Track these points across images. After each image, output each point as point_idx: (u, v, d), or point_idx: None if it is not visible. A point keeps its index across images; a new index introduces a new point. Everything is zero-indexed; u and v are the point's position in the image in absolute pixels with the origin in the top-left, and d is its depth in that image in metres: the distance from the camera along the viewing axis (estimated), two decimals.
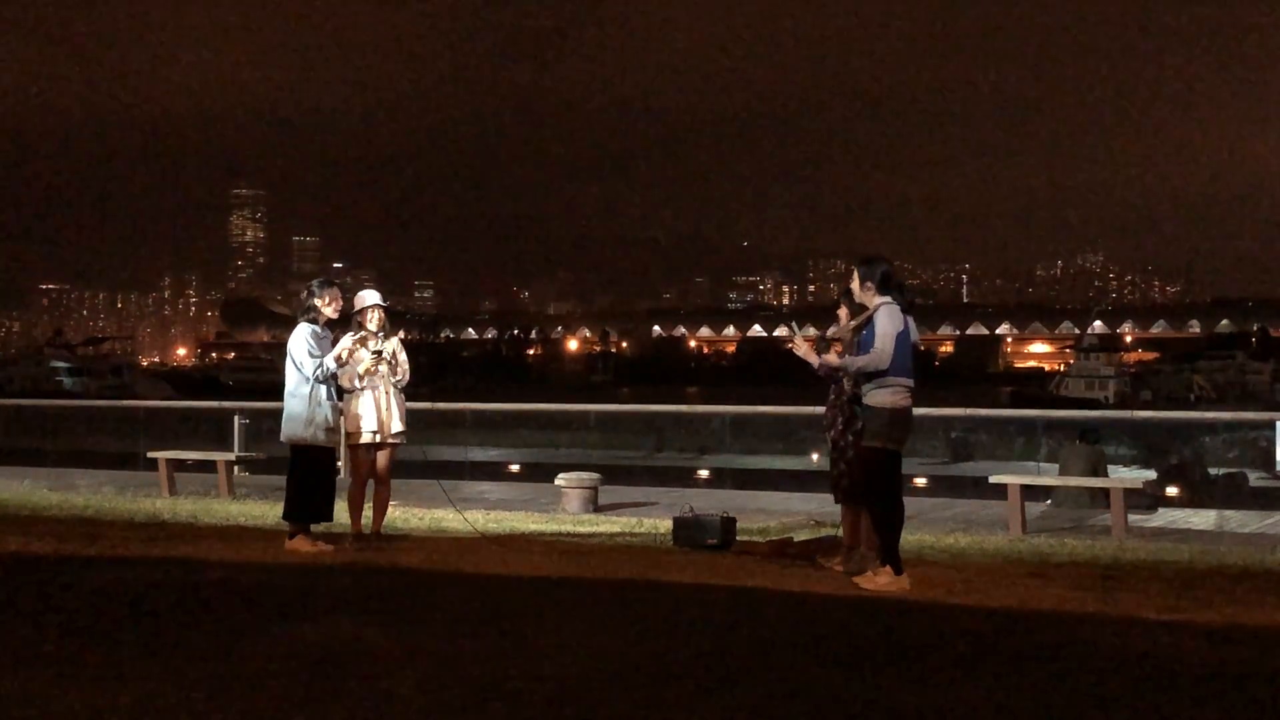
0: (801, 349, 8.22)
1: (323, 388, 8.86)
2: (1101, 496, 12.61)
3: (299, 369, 8.88)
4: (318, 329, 8.99)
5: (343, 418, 9.07)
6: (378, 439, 9.12)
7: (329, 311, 9.07)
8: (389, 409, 9.12)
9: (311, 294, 9.12)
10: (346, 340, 9.02)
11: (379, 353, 9.06)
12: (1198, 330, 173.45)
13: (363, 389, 9.06)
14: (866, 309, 7.57)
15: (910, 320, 7.50)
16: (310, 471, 8.95)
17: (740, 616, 6.18)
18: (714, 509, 10.11)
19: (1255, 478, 21.18)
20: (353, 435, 9.10)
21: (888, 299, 7.45)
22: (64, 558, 8.09)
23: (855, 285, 7.63)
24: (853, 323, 7.88)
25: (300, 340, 8.91)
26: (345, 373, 8.96)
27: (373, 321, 9.17)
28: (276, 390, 9.16)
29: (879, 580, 7.32)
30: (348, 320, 9.24)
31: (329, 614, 6.05)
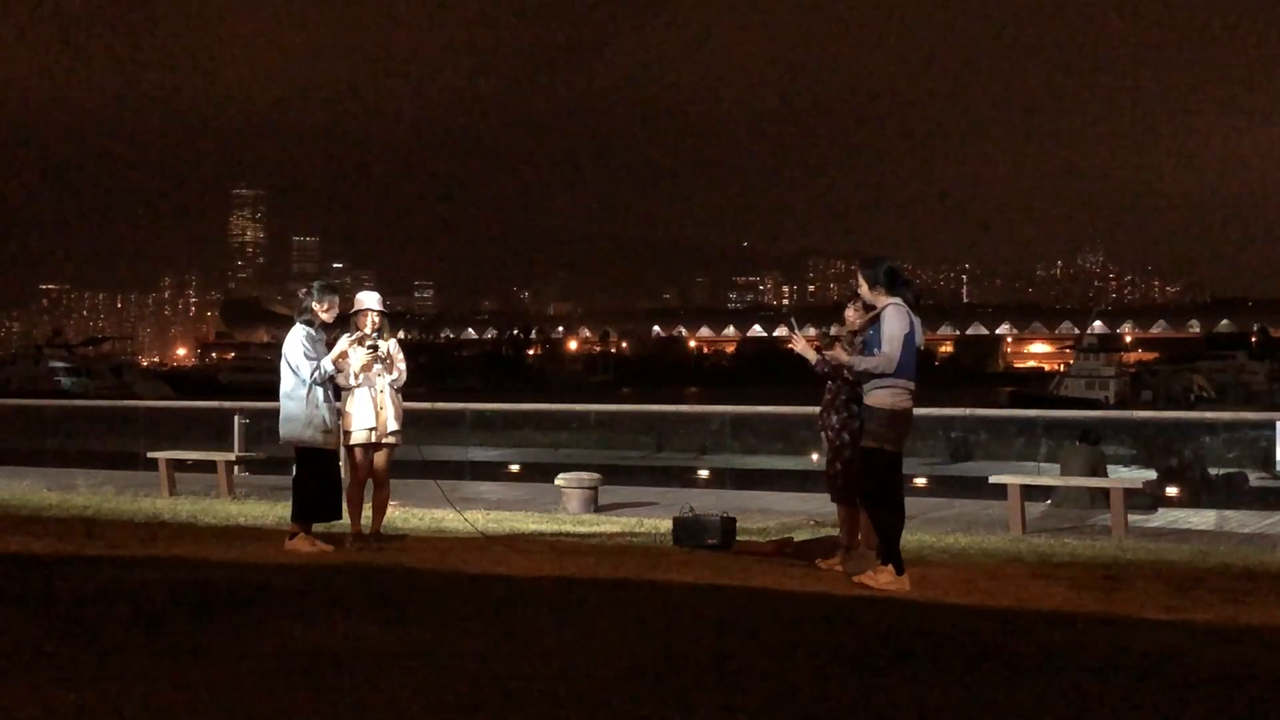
0: (799, 345, 8.22)
1: (320, 389, 8.86)
2: (1101, 496, 12.60)
3: (295, 372, 8.88)
4: (312, 331, 9.00)
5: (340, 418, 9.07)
6: (374, 439, 9.12)
7: (325, 316, 9.08)
8: (385, 409, 9.12)
9: (310, 295, 9.13)
10: (343, 341, 9.02)
11: (375, 348, 9.05)
12: (1198, 330, 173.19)
13: (358, 388, 9.06)
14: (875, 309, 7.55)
15: (916, 321, 7.47)
16: (315, 472, 8.96)
17: (740, 616, 6.18)
18: (714, 509, 10.10)
19: (1255, 478, 21.18)
20: (349, 435, 9.10)
21: (896, 299, 7.43)
22: (64, 558, 8.08)
23: (863, 288, 7.61)
24: (860, 321, 7.86)
25: (295, 343, 8.91)
26: (343, 374, 8.96)
27: (368, 325, 9.17)
28: (274, 390, 9.15)
29: (879, 580, 7.31)
30: (345, 321, 9.25)
31: (329, 614, 6.04)
